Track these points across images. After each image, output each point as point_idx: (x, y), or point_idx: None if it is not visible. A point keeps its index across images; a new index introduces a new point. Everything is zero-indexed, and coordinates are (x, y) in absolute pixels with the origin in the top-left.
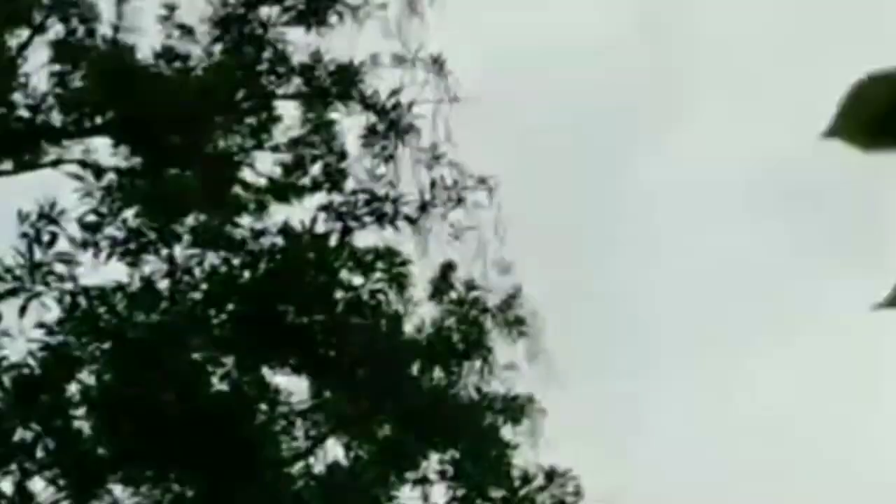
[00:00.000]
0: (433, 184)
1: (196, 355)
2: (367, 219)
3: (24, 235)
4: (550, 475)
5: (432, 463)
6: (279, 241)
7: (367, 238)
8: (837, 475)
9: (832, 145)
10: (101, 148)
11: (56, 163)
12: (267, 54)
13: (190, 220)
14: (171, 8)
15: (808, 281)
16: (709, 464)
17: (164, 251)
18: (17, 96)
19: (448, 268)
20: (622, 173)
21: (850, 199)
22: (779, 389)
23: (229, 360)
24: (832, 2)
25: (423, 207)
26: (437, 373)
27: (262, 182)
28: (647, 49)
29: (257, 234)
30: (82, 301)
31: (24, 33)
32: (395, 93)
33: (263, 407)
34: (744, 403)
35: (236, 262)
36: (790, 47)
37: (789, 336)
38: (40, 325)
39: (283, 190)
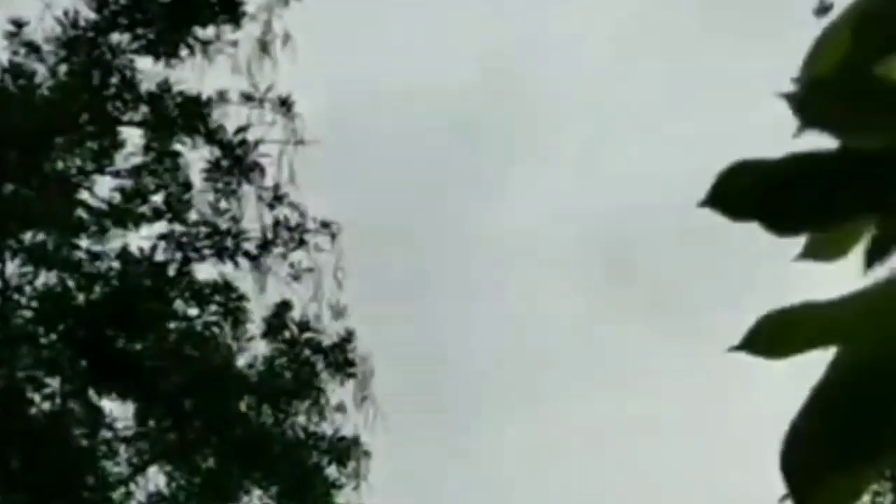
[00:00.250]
0: (276, 223)
1: (21, 374)
2: (208, 251)
3: None
4: None
5: (254, 499)
6: (116, 265)
7: (205, 271)
8: None
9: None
10: None
11: None
12: (114, 80)
13: (26, 237)
14: (19, 25)
15: (624, 341)
16: None
17: None
18: None
19: (284, 307)
20: (461, 221)
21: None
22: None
23: (55, 382)
24: (672, 65)
25: (264, 245)
26: (266, 409)
27: (103, 206)
28: (490, 97)
29: (95, 256)
30: None
31: None
32: (241, 130)
33: (87, 430)
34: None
35: (71, 283)
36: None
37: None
38: None
39: (123, 215)
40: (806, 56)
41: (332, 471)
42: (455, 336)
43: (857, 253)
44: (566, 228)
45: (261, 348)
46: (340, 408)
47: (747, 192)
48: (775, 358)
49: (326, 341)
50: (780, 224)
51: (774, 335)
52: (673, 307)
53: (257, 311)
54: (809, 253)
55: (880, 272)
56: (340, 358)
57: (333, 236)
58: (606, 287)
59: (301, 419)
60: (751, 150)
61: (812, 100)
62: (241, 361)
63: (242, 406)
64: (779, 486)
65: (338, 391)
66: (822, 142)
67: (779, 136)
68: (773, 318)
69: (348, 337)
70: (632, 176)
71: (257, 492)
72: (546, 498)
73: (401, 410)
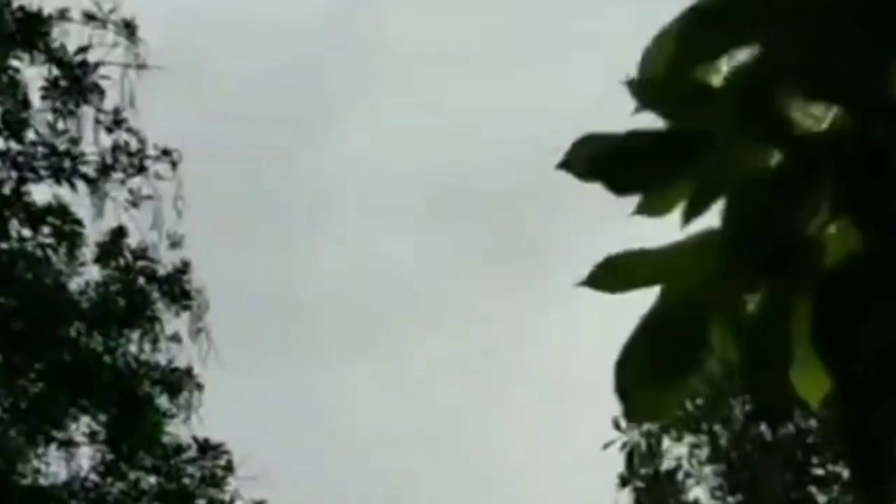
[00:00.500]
0: (115, 148)
1: None
2: (44, 172)
3: None
4: (203, 448)
5: (82, 426)
6: None
7: (41, 192)
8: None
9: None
10: None
11: None
12: None
13: None
14: None
15: (460, 283)
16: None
17: None
18: None
19: (119, 233)
20: (302, 159)
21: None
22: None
23: None
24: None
25: (103, 170)
26: (97, 336)
27: None
28: (337, 35)
29: None
30: None
31: None
32: (82, 50)
33: None
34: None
35: None
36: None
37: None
38: None
39: None
40: (643, 51)
41: (163, 401)
42: (293, 273)
43: (678, 210)
44: (409, 171)
45: (94, 274)
46: (174, 339)
47: (593, 160)
48: (614, 292)
49: (162, 271)
50: (617, 186)
51: (613, 273)
52: (511, 254)
53: (93, 236)
54: (642, 209)
55: (695, 227)
56: (176, 288)
57: (174, 164)
58: (447, 230)
59: (133, 348)
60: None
61: (644, 90)
62: (73, 286)
63: (73, 331)
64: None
65: (172, 322)
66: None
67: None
68: (612, 259)
69: (184, 267)
70: (476, 122)
71: (86, 419)
72: (378, 435)
73: (236, 345)
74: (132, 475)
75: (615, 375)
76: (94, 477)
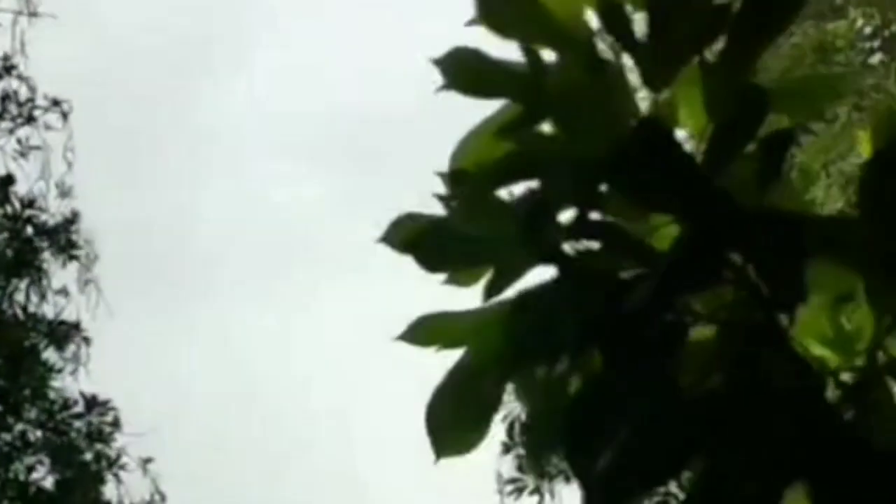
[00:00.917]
0: (4, 97)
1: None
2: None
3: None
4: (90, 403)
5: None
6: None
7: None
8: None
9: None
10: None
11: None
12: None
13: None
14: None
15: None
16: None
17: None
18: None
19: (7, 181)
20: (199, 102)
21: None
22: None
23: None
24: None
25: None
26: None
27: None
28: None
29: None
30: None
31: None
32: None
33: None
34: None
35: None
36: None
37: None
38: None
39: None
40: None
41: (50, 354)
42: (188, 221)
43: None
44: (311, 114)
45: None
46: (62, 291)
47: (408, 240)
48: (429, 347)
49: (51, 221)
50: (429, 265)
51: (425, 332)
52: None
53: None
54: (451, 281)
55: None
56: (64, 239)
57: (64, 115)
58: (348, 175)
59: (20, 298)
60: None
61: (454, 183)
62: None
63: None
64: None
65: (60, 274)
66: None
67: None
68: (424, 319)
69: (73, 218)
70: (381, 65)
71: None
72: (274, 384)
73: (127, 295)
74: (18, 427)
75: (426, 417)
76: None
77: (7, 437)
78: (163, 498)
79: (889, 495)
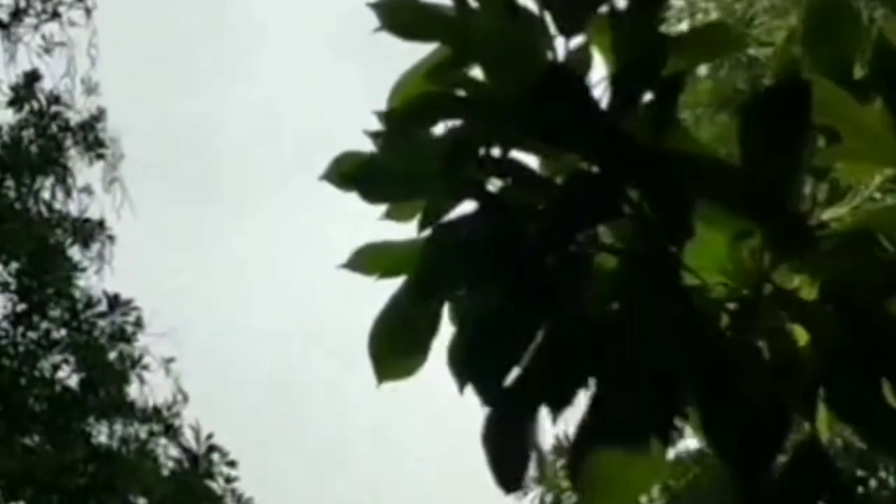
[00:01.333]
0: None
1: None
2: None
3: None
4: (113, 303)
5: None
6: None
7: None
8: None
9: None
10: None
11: None
12: None
13: None
14: None
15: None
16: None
17: None
18: None
19: (33, 76)
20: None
21: None
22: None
23: None
24: None
25: (16, 14)
26: (8, 182)
27: None
28: None
29: None
30: None
31: None
32: None
33: None
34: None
35: None
36: None
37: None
38: None
39: None
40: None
41: (74, 253)
42: (216, 119)
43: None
44: (334, 9)
45: (7, 117)
46: (87, 190)
47: (347, 174)
48: (370, 275)
49: (76, 118)
50: (368, 198)
51: (366, 260)
52: None
53: (6, 80)
54: (389, 216)
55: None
56: (90, 136)
57: (88, 11)
58: (383, 71)
59: (45, 196)
60: None
61: (389, 122)
62: None
63: None
64: None
65: (85, 172)
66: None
67: None
68: (366, 248)
69: (99, 115)
70: None
71: None
72: (302, 280)
73: (151, 194)
74: (43, 326)
75: (368, 343)
76: (5, 325)
77: (32, 335)
78: (185, 398)
79: (773, 413)
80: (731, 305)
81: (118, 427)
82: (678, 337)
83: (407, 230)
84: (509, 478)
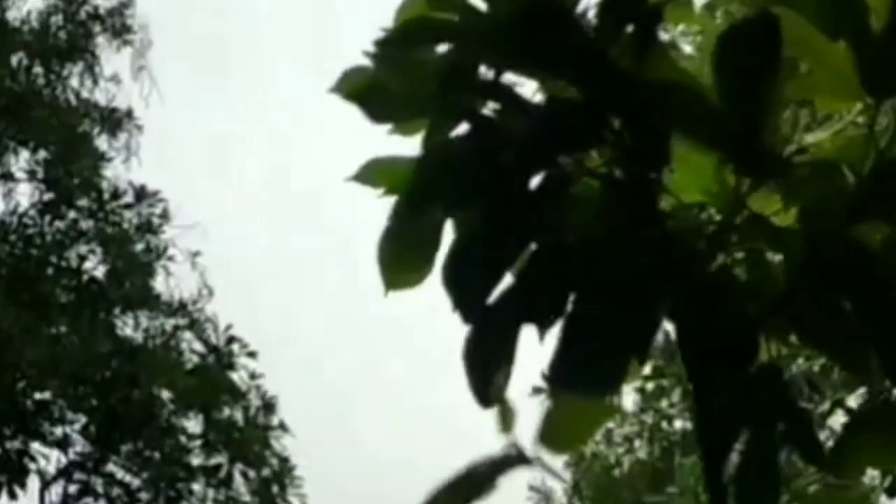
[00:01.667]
0: None
1: None
2: None
3: None
4: (140, 194)
5: (21, 161)
6: None
7: None
8: None
9: None
10: None
11: None
12: None
13: None
14: None
15: None
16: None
17: None
18: None
19: None
20: None
21: None
22: None
23: None
24: None
25: None
26: (36, 69)
27: None
28: None
29: None
30: None
31: None
32: None
33: None
34: None
35: None
36: None
37: None
38: None
39: None
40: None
41: (102, 143)
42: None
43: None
44: None
45: (36, 3)
46: (115, 78)
47: (353, 90)
48: (376, 188)
49: (105, 4)
50: (371, 116)
51: (373, 174)
52: None
53: None
54: (395, 131)
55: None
56: (118, 23)
57: None
58: None
59: (73, 84)
60: None
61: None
62: (13, 15)
63: (13, 62)
64: None
65: (113, 59)
66: None
67: None
68: (373, 162)
69: (128, 2)
70: None
71: (24, 155)
72: (326, 183)
73: (180, 84)
74: (71, 216)
75: (377, 252)
76: (32, 214)
77: (59, 225)
78: (210, 292)
79: (742, 333)
80: (709, 229)
81: (143, 320)
82: (655, 258)
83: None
84: (487, 393)
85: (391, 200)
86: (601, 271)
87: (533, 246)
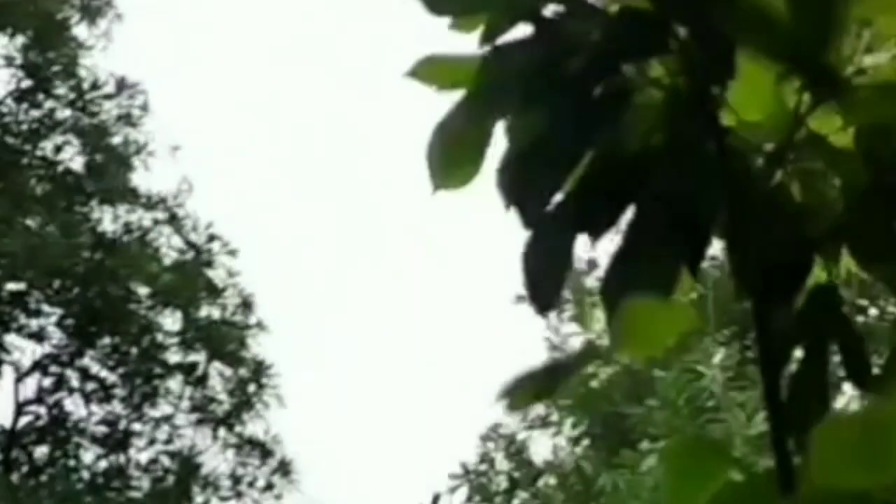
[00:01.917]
0: None
1: None
2: None
3: None
4: (120, 84)
5: None
6: None
7: None
8: None
9: None
10: None
11: None
12: None
13: None
14: None
15: None
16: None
17: None
18: None
19: None
20: None
21: None
22: None
23: None
24: None
25: None
26: None
27: None
28: None
29: None
30: None
31: None
32: None
33: None
34: None
35: None
36: None
37: None
38: None
39: None
40: None
41: (81, 31)
42: None
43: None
44: None
45: None
46: None
47: None
48: (430, 85)
49: None
50: (432, 9)
51: (428, 71)
52: None
53: None
54: (454, 26)
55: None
56: None
57: None
58: None
59: None
60: None
61: None
62: None
63: None
64: None
65: None
66: None
67: None
68: (428, 59)
69: None
70: None
71: (2, 40)
72: (308, 78)
73: None
74: (48, 104)
75: (426, 151)
76: (9, 102)
77: (36, 113)
78: (190, 187)
79: (797, 253)
80: (768, 147)
81: (122, 213)
82: (713, 172)
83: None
84: (544, 297)
85: (394, 96)
86: (659, 182)
87: (592, 154)
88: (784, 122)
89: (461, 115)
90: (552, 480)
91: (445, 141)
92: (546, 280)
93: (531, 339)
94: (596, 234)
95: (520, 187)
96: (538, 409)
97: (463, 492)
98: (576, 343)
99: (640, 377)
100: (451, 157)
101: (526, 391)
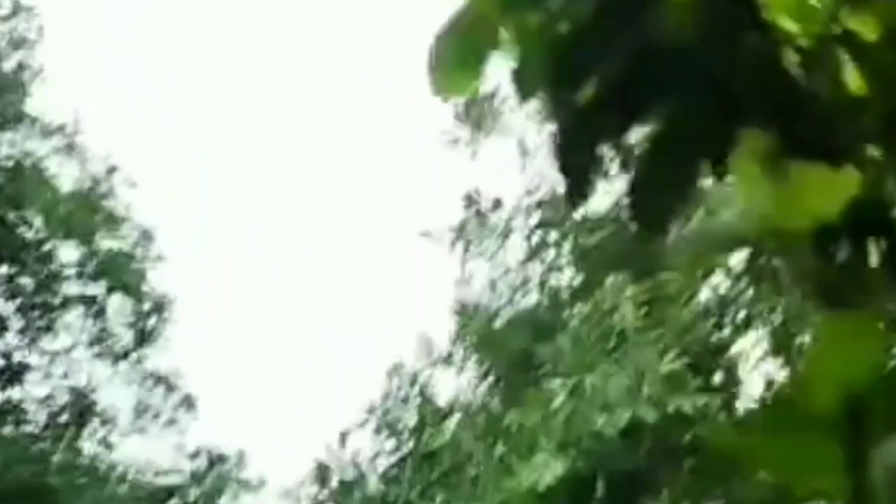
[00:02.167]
0: None
1: None
2: None
3: None
4: (15, 7)
5: None
6: None
7: None
8: None
9: None
10: None
11: None
12: None
13: None
14: None
15: None
16: None
17: None
18: None
19: None
20: None
21: None
22: None
23: None
24: None
25: None
26: None
27: None
28: None
29: None
30: None
31: None
32: None
33: None
34: None
35: None
36: None
37: None
38: None
39: None
40: None
41: None
42: None
43: None
44: None
45: None
46: None
47: None
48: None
49: None
50: None
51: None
52: None
53: None
54: None
55: None
56: None
57: None
58: None
59: None
60: None
61: None
62: None
63: None
64: None
65: None
66: None
67: None
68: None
69: None
70: None
71: None
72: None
73: None
74: None
75: (429, 54)
76: None
77: None
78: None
79: (828, 138)
80: (802, 42)
81: (18, 140)
82: (752, 64)
83: None
84: (578, 186)
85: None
86: (699, 73)
87: (629, 43)
88: (819, 18)
89: (468, 19)
90: (458, 418)
91: (449, 45)
92: (579, 169)
93: (438, 277)
94: (631, 121)
95: (555, 76)
96: (441, 348)
97: (370, 428)
98: (482, 280)
99: (548, 316)
100: (455, 62)
101: None
